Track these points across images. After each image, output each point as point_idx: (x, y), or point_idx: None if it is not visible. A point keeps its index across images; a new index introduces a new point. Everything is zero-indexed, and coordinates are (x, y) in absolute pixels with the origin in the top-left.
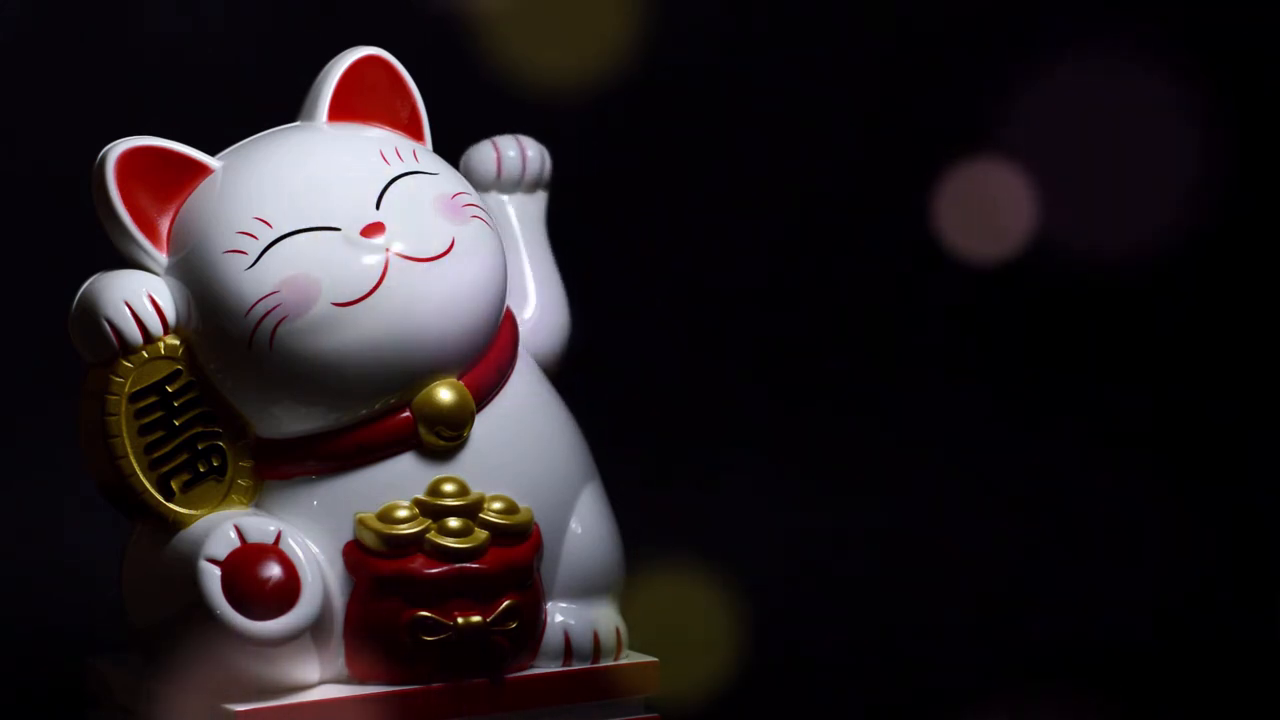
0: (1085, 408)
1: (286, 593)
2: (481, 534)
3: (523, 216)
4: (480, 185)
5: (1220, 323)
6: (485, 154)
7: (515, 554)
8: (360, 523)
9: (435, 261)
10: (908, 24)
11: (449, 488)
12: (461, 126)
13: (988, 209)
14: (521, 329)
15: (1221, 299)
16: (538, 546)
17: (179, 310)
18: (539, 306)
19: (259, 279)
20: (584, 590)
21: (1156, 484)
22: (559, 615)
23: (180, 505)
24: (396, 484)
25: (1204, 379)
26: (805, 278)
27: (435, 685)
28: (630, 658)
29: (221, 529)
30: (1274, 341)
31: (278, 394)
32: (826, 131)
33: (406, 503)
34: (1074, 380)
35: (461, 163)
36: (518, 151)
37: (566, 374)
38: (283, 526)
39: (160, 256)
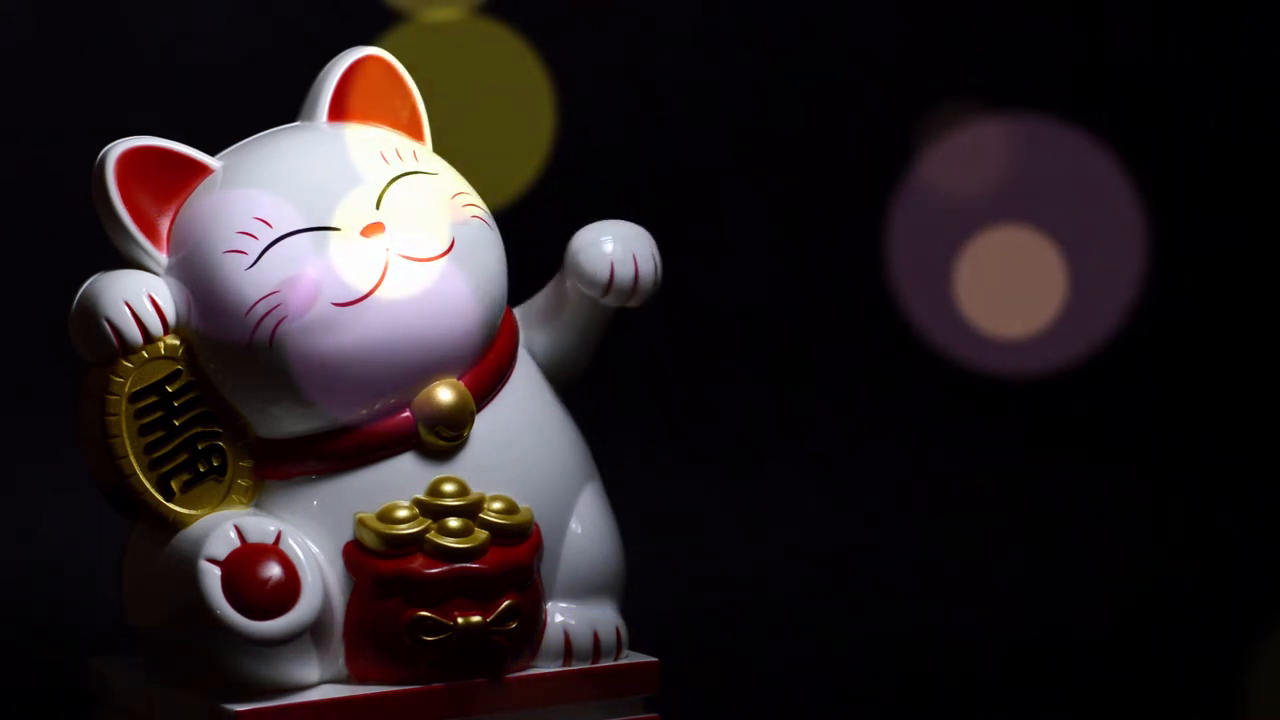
0: (1084, 411)
1: (286, 593)
2: (481, 534)
3: (601, 313)
4: (581, 288)
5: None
6: (596, 263)
7: (515, 554)
8: (360, 523)
9: (435, 261)
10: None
11: (449, 488)
12: (461, 126)
13: (1014, 282)
14: (526, 339)
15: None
16: (538, 546)
17: (179, 310)
18: (566, 364)
19: (259, 279)
20: (584, 590)
21: (1152, 484)
22: (559, 615)
23: (180, 505)
24: (396, 484)
25: (1199, 385)
26: (805, 278)
27: (435, 685)
28: (630, 658)
29: (221, 529)
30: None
31: (277, 394)
32: (826, 130)
33: (406, 503)
34: (1071, 385)
35: (567, 257)
36: (629, 259)
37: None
38: (283, 526)
39: (160, 256)
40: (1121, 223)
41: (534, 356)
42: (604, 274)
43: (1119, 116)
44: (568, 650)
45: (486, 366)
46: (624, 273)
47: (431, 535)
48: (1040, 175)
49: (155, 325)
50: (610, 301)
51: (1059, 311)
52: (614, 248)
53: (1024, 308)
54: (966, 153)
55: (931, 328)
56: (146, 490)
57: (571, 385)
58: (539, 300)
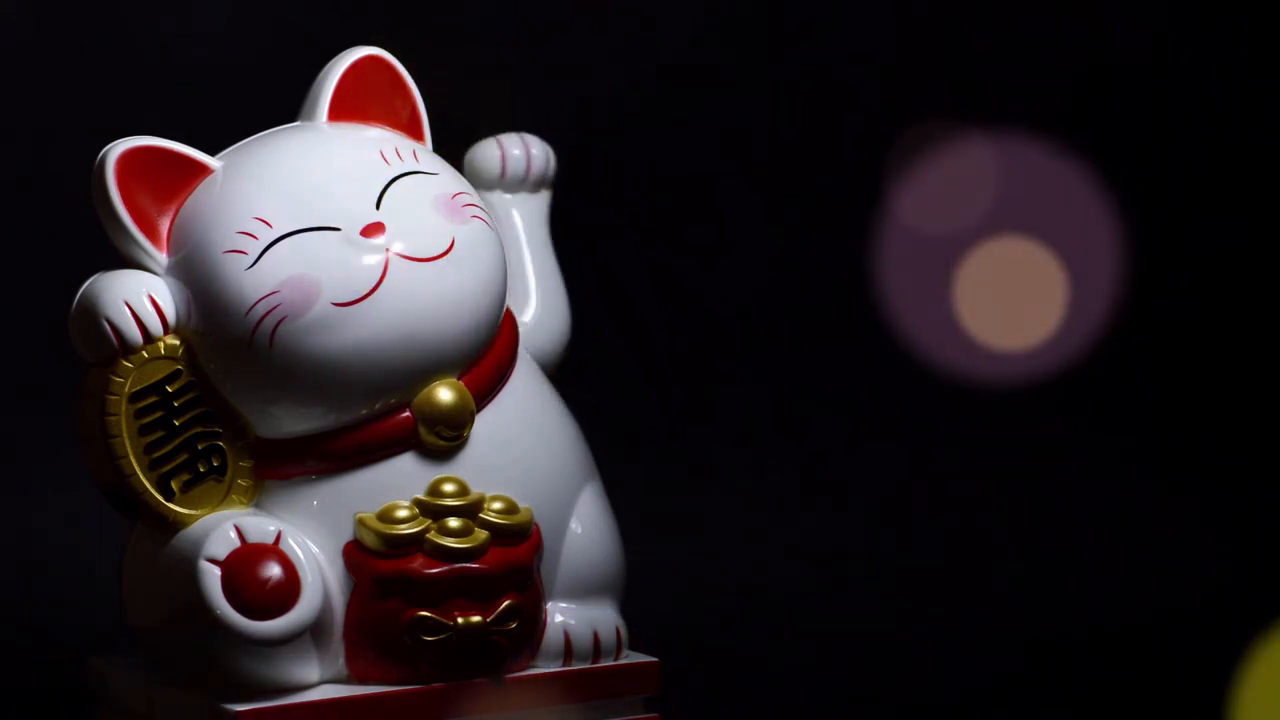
0: (1084, 412)
1: (286, 593)
2: (481, 534)
3: (526, 216)
4: (483, 184)
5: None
6: (489, 152)
7: (515, 554)
8: (360, 523)
9: (435, 261)
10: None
11: (449, 488)
12: (460, 125)
13: (1014, 293)
14: (521, 329)
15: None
16: (538, 546)
17: (179, 310)
18: (540, 307)
19: (259, 279)
20: (584, 590)
21: (1152, 484)
22: (559, 615)
23: (180, 505)
24: (396, 484)
25: (1199, 386)
26: (804, 277)
27: (435, 685)
28: (630, 658)
29: (221, 529)
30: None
31: (277, 394)
32: (826, 130)
33: (406, 503)
34: (1070, 386)
35: (465, 160)
36: (522, 150)
37: (566, 374)
38: (283, 526)
39: (160, 256)
40: (1116, 226)
41: (523, 333)
42: (495, 157)
43: (1118, 120)
44: (568, 650)
45: (486, 366)
46: (514, 152)
47: (431, 535)
48: (1035, 182)
49: (155, 325)
50: (511, 187)
51: (1057, 316)
52: (501, 138)
53: (1022, 314)
54: (964, 159)
55: (930, 331)
56: (146, 490)
57: (564, 344)
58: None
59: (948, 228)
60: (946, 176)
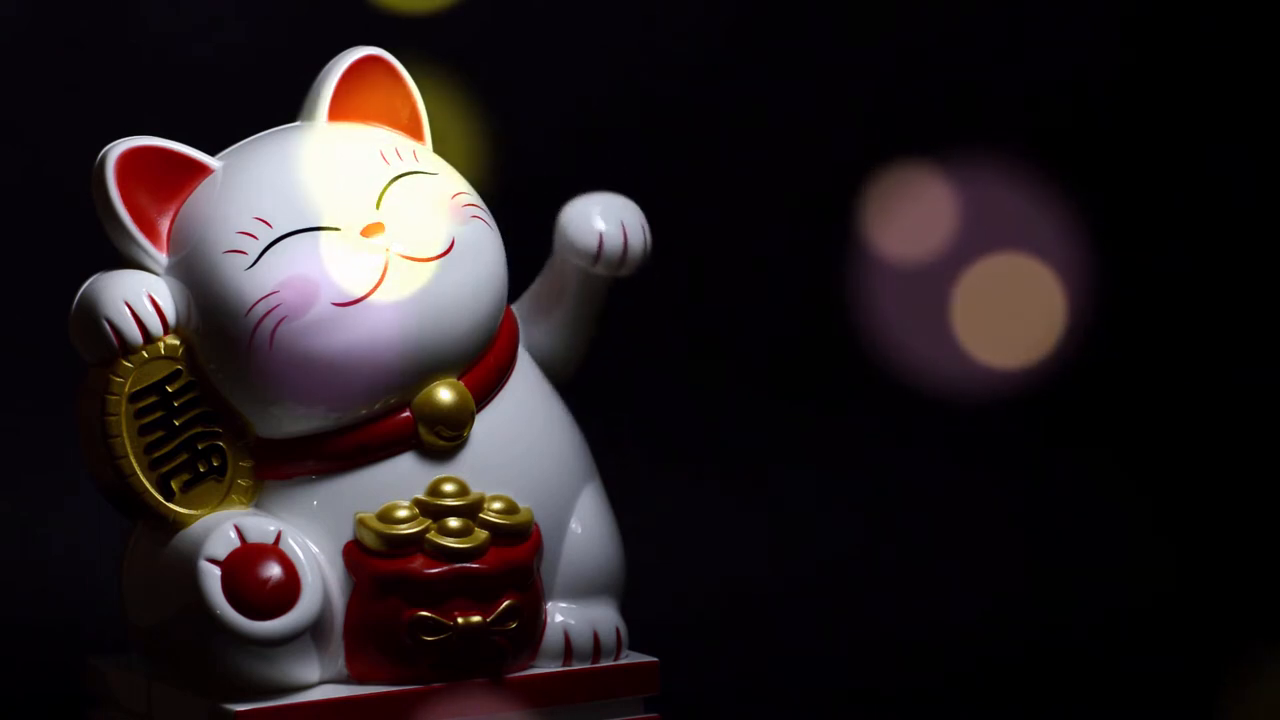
0: (1082, 414)
1: (286, 593)
2: (481, 534)
3: (597, 287)
4: (570, 259)
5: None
6: (584, 233)
7: (515, 554)
8: (360, 523)
9: (435, 261)
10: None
11: (449, 488)
12: (459, 125)
13: (1010, 309)
14: (534, 348)
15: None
16: (538, 546)
17: (179, 310)
18: (560, 343)
19: (259, 279)
20: (584, 590)
21: (1152, 486)
22: (559, 615)
23: (180, 505)
24: (396, 484)
25: (1196, 388)
26: (803, 276)
27: (435, 685)
28: (630, 658)
29: (221, 529)
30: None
31: (278, 394)
32: (829, 132)
33: (406, 503)
34: (1069, 387)
35: (557, 228)
36: (618, 228)
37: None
38: (283, 526)
39: (160, 256)
40: (1089, 245)
41: (532, 350)
42: (593, 242)
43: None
44: (568, 650)
45: (486, 366)
46: (613, 239)
47: (431, 535)
48: (1008, 205)
49: (155, 325)
50: (601, 271)
51: (1051, 330)
52: (601, 216)
53: (1017, 326)
54: (953, 180)
55: (925, 340)
56: (146, 490)
57: (569, 378)
58: (534, 289)
59: (933, 243)
60: (924, 202)
